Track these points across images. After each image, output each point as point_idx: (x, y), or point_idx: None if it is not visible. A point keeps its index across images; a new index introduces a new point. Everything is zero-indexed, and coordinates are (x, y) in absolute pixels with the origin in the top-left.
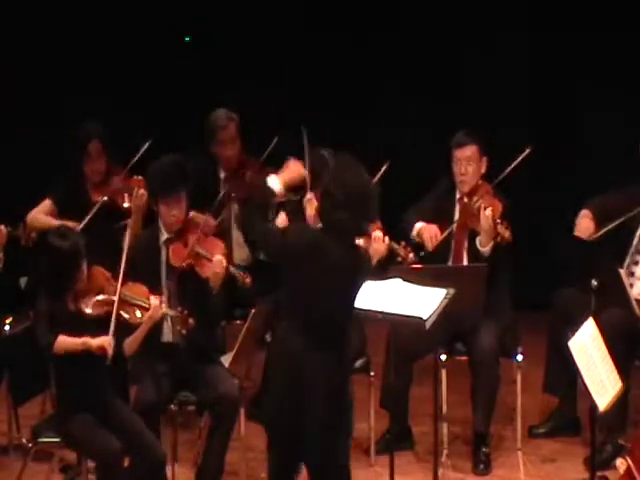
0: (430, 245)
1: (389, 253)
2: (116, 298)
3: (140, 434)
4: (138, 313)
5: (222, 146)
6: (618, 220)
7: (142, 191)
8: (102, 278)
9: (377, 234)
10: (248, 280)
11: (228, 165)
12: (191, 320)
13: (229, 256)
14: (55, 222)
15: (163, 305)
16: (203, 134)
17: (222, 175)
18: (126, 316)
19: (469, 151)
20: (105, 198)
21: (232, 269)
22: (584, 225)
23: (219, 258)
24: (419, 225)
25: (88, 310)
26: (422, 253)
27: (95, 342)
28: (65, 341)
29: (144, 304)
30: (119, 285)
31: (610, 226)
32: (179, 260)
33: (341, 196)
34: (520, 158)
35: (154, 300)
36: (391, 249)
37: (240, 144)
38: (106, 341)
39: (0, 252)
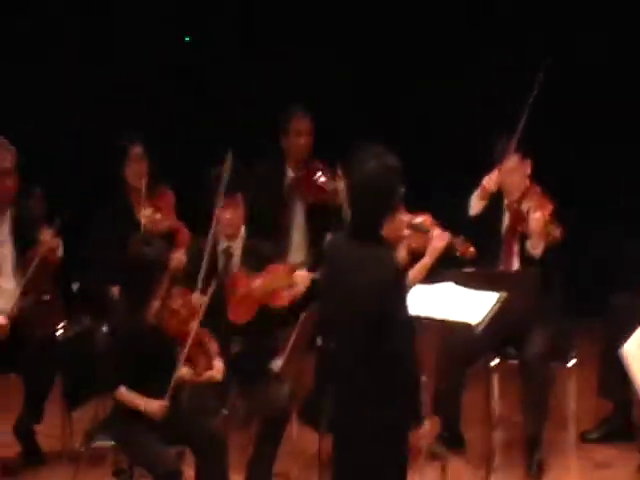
0: (493, 186)
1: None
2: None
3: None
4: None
5: (297, 136)
6: None
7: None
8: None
9: (438, 232)
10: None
11: (299, 157)
12: None
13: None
14: None
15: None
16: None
17: (290, 174)
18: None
19: (511, 163)
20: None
21: None
22: None
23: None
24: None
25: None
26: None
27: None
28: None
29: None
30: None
31: None
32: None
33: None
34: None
35: (219, 362)
36: (450, 244)
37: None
38: (161, 405)
39: (57, 237)
